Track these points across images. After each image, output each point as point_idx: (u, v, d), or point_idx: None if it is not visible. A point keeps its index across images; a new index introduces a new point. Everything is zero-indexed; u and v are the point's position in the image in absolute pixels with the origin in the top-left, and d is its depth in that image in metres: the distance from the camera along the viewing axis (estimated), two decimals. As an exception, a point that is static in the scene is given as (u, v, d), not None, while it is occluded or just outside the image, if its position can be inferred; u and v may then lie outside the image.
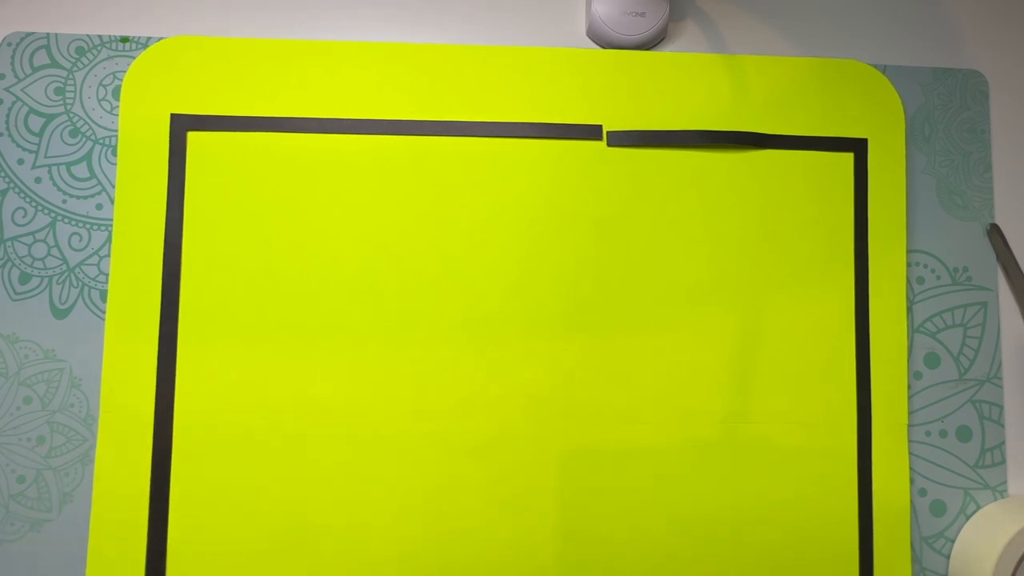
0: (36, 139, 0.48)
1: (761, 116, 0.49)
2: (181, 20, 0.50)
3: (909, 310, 0.49)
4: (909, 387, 0.48)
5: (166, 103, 0.47)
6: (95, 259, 0.47)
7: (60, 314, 0.46)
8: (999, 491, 0.47)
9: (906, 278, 0.48)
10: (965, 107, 0.51)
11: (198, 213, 0.47)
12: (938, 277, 0.49)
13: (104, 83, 0.48)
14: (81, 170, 0.48)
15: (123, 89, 0.48)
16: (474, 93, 0.48)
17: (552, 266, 0.47)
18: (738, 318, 0.47)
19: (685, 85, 0.49)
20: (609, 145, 0.47)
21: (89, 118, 0.48)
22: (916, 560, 0.47)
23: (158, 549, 0.44)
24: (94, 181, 0.47)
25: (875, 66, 0.51)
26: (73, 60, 0.48)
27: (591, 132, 0.48)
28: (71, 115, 0.48)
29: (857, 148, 0.49)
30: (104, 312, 0.46)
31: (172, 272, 0.46)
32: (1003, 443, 0.48)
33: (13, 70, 0.48)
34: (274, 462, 0.45)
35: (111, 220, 0.47)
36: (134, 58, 0.48)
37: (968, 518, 0.47)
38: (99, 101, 0.48)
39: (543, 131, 0.48)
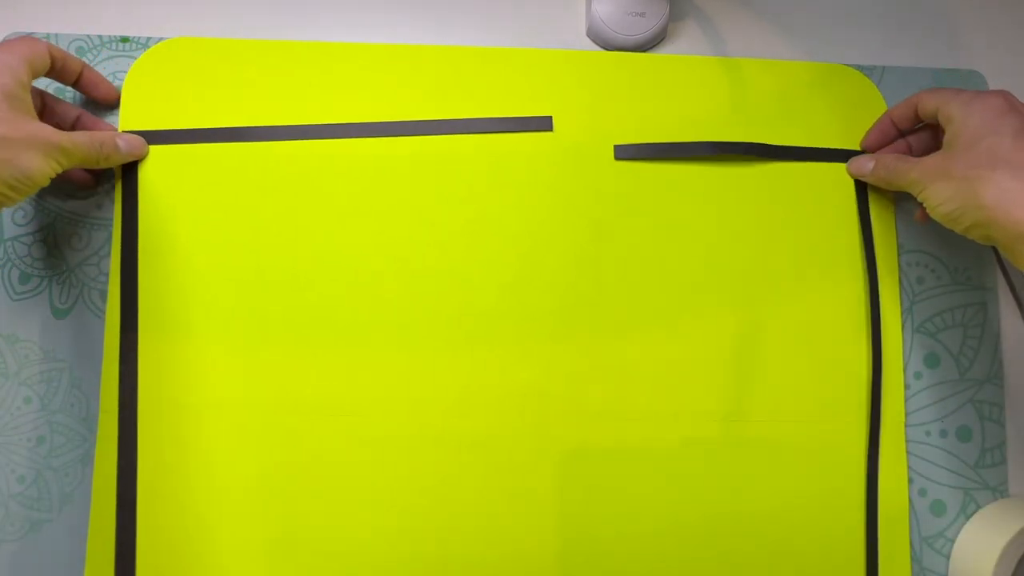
0: (36, 139, 0.48)
1: (758, 118, 0.49)
2: (182, 21, 0.50)
3: (909, 310, 0.49)
4: (909, 387, 0.48)
5: (167, 103, 0.47)
6: (95, 259, 0.47)
7: (60, 314, 0.46)
8: (999, 491, 0.47)
9: (899, 280, 0.49)
10: (965, 107, 0.51)
11: (191, 214, 0.47)
12: (938, 277, 0.49)
13: (104, 83, 0.48)
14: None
15: (123, 89, 0.48)
16: (474, 94, 0.48)
17: (551, 265, 0.47)
18: (738, 316, 0.47)
19: (684, 87, 0.49)
20: (617, 159, 0.48)
21: (89, 118, 0.48)
22: (916, 560, 0.47)
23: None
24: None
25: (875, 67, 0.51)
26: (73, 60, 0.48)
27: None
28: (71, 115, 0.48)
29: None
30: (104, 312, 0.46)
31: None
32: (1003, 443, 0.48)
33: (13, 70, 0.48)
34: (272, 462, 0.45)
35: (111, 220, 0.47)
36: (134, 58, 0.48)
37: (968, 518, 0.47)
38: (99, 101, 0.48)
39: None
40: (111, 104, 0.47)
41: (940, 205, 0.41)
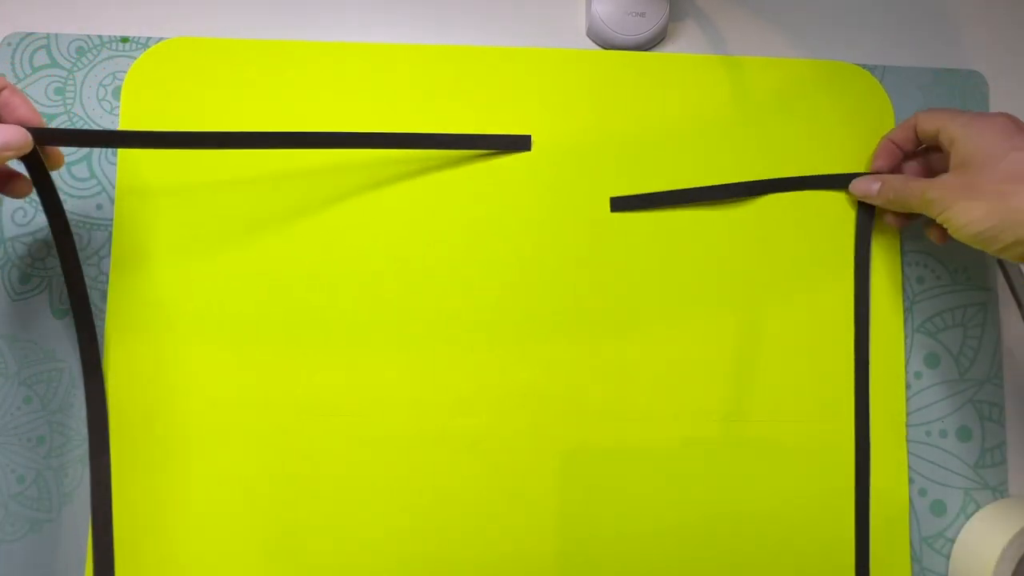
0: (36, 139, 0.48)
1: (760, 116, 0.49)
2: (182, 20, 0.50)
3: (909, 310, 0.49)
4: (909, 387, 0.48)
5: (166, 103, 0.47)
6: (95, 259, 0.47)
7: (60, 314, 0.46)
8: (999, 491, 0.47)
9: (901, 280, 0.48)
10: (965, 107, 0.51)
11: (191, 214, 0.47)
12: (938, 277, 0.49)
13: (104, 83, 0.48)
14: (81, 170, 0.48)
15: (123, 89, 0.48)
16: (472, 94, 0.48)
17: (551, 265, 0.47)
18: (738, 316, 0.47)
19: (686, 85, 0.49)
20: (613, 211, 0.47)
21: (89, 118, 0.48)
22: (916, 560, 0.47)
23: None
24: (94, 181, 0.47)
25: (875, 67, 0.51)
26: (73, 60, 0.48)
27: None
28: (71, 115, 0.48)
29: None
30: (104, 312, 0.46)
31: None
32: (1003, 443, 0.48)
33: (13, 70, 0.48)
34: (274, 461, 0.45)
35: (111, 220, 0.47)
36: (134, 58, 0.48)
37: (968, 518, 0.47)
38: (99, 101, 0.48)
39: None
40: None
41: (969, 224, 0.40)
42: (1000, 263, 0.49)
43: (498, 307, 0.47)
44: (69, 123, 0.48)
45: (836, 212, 0.48)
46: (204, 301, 0.46)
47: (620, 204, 0.47)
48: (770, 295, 0.48)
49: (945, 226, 0.42)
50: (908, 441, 0.47)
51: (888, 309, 0.48)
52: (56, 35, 0.49)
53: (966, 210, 0.40)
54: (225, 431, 0.45)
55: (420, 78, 0.48)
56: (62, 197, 0.47)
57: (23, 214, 0.47)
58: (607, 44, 0.50)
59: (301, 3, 0.50)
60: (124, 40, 0.49)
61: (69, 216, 0.47)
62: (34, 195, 0.47)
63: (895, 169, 0.47)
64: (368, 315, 0.46)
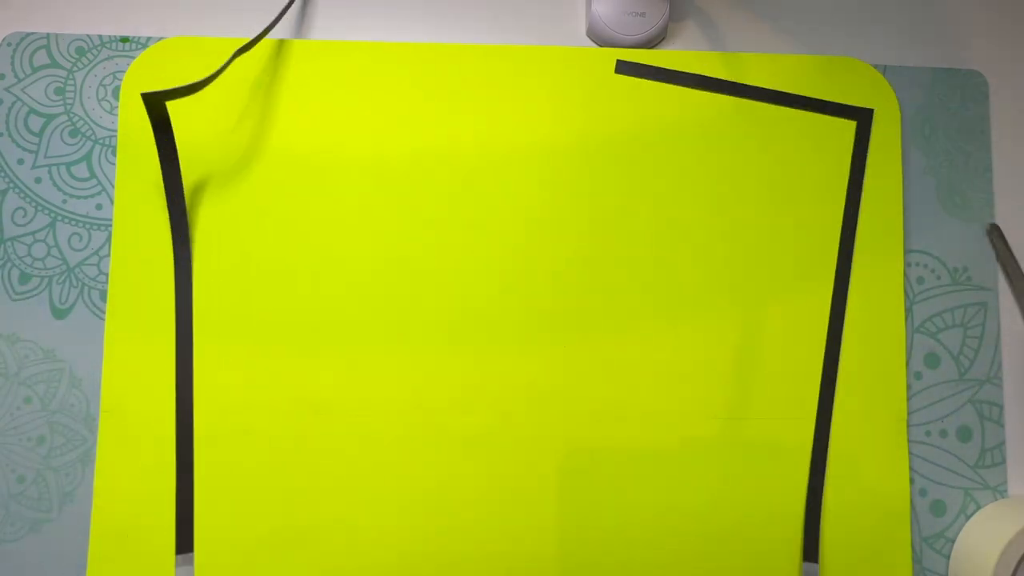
0: (36, 139, 0.48)
1: (761, 113, 0.49)
2: (182, 21, 0.50)
3: (909, 310, 0.49)
4: (909, 387, 0.48)
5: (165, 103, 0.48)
6: (95, 259, 0.47)
7: (60, 314, 0.46)
8: (999, 491, 0.47)
9: (903, 278, 0.49)
10: (965, 107, 0.51)
11: (191, 213, 0.47)
12: (938, 277, 0.49)
13: (104, 83, 0.48)
14: (81, 170, 0.48)
15: (123, 89, 0.48)
16: (471, 92, 0.48)
17: (551, 264, 0.47)
18: (738, 315, 0.47)
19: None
20: (617, 72, 0.47)
21: (89, 118, 0.48)
22: (916, 560, 0.47)
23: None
24: (94, 181, 0.47)
25: (875, 66, 0.51)
26: (73, 60, 0.48)
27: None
28: (71, 115, 0.48)
29: (859, 119, 0.49)
30: (104, 312, 0.46)
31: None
32: (1003, 443, 0.48)
33: (13, 70, 0.48)
34: (274, 460, 0.45)
35: (111, 220, 0.47)
36: (134, 58, 0.48)
37: (968, 518, 0.47)
38: (99, 101, 0.48)
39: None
40: None
41: None
42: (1000, 263, 0.49)
43: (498, 306, 0.47)
44: (69, 123, 0.48)
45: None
46: (204, 301, 0.46)
47: (624, 68, 0.48)
48: (770, 294, 0.48)
49: None
50: (908, 441, 0.47)
51: (888, 309, 0.48)
52: (56, 35, 0.49)
53: None
54: (225, 430, 0.45)
55: (419, 77, 0.48)
56: (62, 197, 0.47)
57: (23, 214, 0.47)
58: (607, 44, 0.50)
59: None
60: (124, 40, 0.49)
61: (69, 216, 0.47)
62: (34, 196, 0.47)
63: None
64: (368, 314, 0.46)
